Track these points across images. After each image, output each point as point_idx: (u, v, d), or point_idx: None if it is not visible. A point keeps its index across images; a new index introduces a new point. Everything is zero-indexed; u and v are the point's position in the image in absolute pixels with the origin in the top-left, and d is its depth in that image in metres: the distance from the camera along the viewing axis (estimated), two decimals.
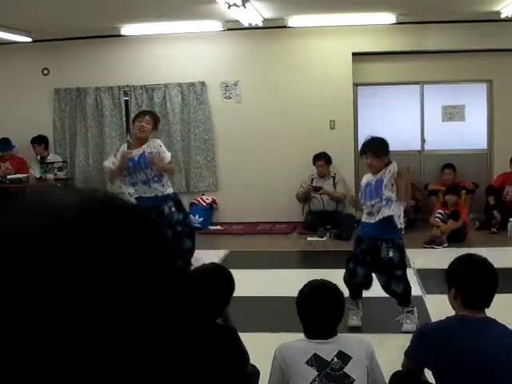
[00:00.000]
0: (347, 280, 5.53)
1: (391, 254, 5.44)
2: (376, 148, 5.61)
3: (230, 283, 3.49)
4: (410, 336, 3.26)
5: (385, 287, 5.56)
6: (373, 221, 5.46)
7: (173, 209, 6.27)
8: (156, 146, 6.44)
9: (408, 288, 5.52)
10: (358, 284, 5.59)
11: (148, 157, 6.27)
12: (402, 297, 5.50)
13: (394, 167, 5.48)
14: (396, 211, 5.47)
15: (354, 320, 5.53)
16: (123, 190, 6.37)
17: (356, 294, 5.62)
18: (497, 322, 3.13)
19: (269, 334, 5.32)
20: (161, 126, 10.60)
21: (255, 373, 3.67)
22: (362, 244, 5.59)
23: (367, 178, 5.67)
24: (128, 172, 6.34)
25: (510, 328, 3.14)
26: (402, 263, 5.57)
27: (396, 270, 5.47)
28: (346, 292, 3.66)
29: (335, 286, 3.35)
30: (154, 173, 6.28)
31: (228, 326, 3.58)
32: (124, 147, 6.56)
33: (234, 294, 6.31)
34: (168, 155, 6.56)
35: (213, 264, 3.59)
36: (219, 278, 3.44)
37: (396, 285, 5.49)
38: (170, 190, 6.47)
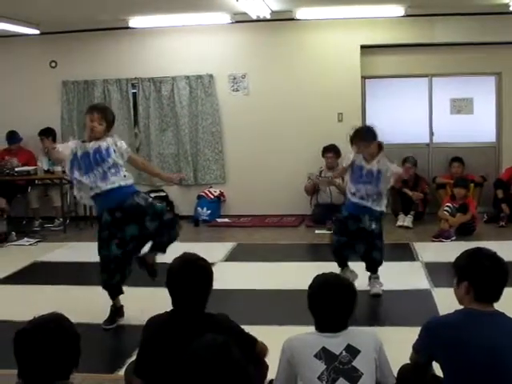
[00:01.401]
0: (333, 248, 6.35)
1: (373, 226, 6.05)
2: (367, 135, 6.14)
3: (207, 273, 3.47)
4: (417, 329, 3.25)
5: (365, 255, 6.20)
6: (366, 203, 6.04)
7: (149, 199, 5.59)
8: (117, 143, 5.54)
9: (383, 257, 6.27)
10: (339, 247, 6.27)
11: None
12: (378, 264, 6.27)
13: (389, 164, 6.09)
14: (383, 206, 6.20)
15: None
16: (83, 199, 5.58)
17: (341, 260, 6.32)
18: (505, 315, 3.13)
19: (277, 326, 5.31)
20: (169, 118, 10.68)
21: (264, 366, 3.68)
22: (341, 214, 6.32)
23: (359, 159, 6.10)
24: (84, 169, 5.39)
25: None
26: (382, 234, 6.23)
27: (376, 239, 6.14)
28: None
29: (347, 279, 3.35)
30: (109, 164, 5.36)
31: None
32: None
33: (242, 287, 6.35)
34: (128, 150, 5.71)
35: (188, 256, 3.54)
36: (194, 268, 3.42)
37: (376, 252, 6.17)
38: (131, 181, 5.57)
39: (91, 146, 5.38)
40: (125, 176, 5.46)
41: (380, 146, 6.14)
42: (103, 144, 5.40)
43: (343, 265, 6.32)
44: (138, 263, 5.73)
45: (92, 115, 5.43)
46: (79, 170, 5.39)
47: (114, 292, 5.76)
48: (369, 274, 6.33)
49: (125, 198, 5.41)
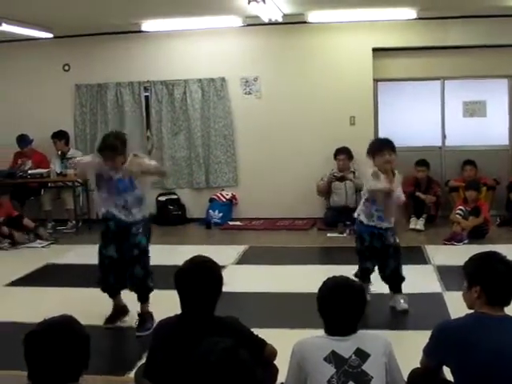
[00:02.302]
0: (361, 276, 5.86)
1: (397, 240, 5.95)
2: (393, 145, 5.88)
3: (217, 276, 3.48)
4: (428, 333, 3.24)
5: (393, 273, 5.89)
6: (384, 226, 5.79)
7: (140, 230, 5.67)
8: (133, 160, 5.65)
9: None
10: (369, 275, 6.01)
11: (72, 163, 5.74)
12: (402, 281, 5.97)
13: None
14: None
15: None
16: (102, 209, 5.70)
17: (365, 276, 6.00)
18: None
19: (287, 330, 5.30)
20: (181, 121, 10.70)
21: (274, 370, 3.68)
22: (364, 241, 5.88)
23: (383, 183, 5.71)
24: (115, 192, 5.62)
25: None
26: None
27: (399, 254, 5.93)
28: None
29: (358, 282, 3.34)
30: (133, 196, 5.60)
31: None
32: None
33: (253, 290, 6.33)
34: (146, 159, 5.89)
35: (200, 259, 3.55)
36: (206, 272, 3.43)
37: (401, 269, 5.93)
38: (142, 215, 5.74)
39: (115, 174, 5.55)
40: (140, 210, 5.66)
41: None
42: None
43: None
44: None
45: (106, 156, 5.52)
46: (106, 189, 5.61)
47: (110, 291, 5.81)
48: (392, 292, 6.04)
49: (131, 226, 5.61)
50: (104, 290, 5.77)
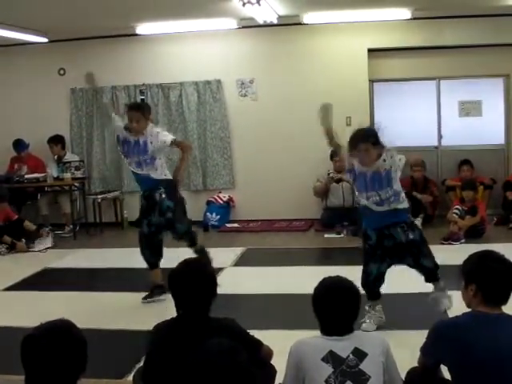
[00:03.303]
0: (363, 282, 5.39)
1: (412, 236, 5.33)
2: (371, 136, 5.40)
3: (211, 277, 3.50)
4: (425, 332, 3.25)
5: (414, 265, 5.48)
6: (381, 209, 5.30)
7: (163, 195, 6.36)
8: (153, 135, 6.33)
9: (436, 262, 5.57)
10: (372, 281, 5.48)
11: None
12: (434, 270, 5.56)
13: (398, 158, 5.28)
14: (406, 202, 5.46)
15: (366, 323, 5.38)
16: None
17: (373, 293, 5.55)
18: None
19: (285, 331, 5.30)
20: (177, 124, 10.70)
21: (272, 370, 3.68)
22: (369, 240, 5.44)
23: (359, 167, 5.37)
24: (124, 154, 6.47)
25: None
26: (425, 240, 5.49)
27: (421, 247, 5.43)
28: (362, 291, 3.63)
29: (351, 282, 3.34)
30: (146, 156, 6.31)
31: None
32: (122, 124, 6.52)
33: (251, 292, 6.33)
34: (168, 138, 6.41)
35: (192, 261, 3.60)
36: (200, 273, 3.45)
37: (426, 260, 5.47)
38: (163, 177, 6.46)
39: (132, 137, 6.30)
40: (156, 169, 6.35)
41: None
42: (141, 138, 6.24)
43: (376, 298, 5.60)
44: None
45: (131, 115, 6.25)
46: (122, 149, 6.44)
47: (150, 265, 6.61)
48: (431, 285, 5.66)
49: (150, 187, 6.40)
50: (147, 263, 6.64)
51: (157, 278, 6.42)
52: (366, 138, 5.27)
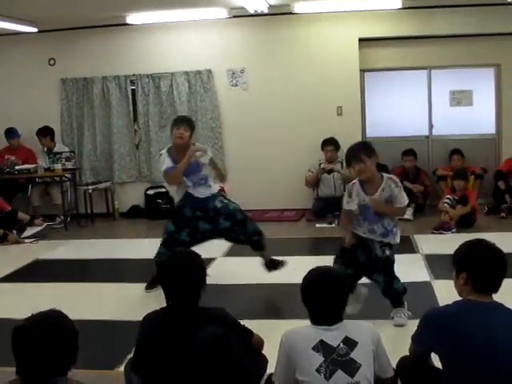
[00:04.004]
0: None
1: (388, 253, 5.19)
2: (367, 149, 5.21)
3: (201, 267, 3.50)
4: (417, 321, 3.26)
5: (386, 287, 5.28)
6: (373, 237, 5.20)
7: (225, 200, 6.52)
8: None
9: (402, 284, 5.37)
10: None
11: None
12: (402, 295, 5.36)
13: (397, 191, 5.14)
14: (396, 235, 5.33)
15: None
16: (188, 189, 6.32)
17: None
18: (504, 306, 3.13)
19: (276, 320, 5.32)
20: (168, 114, 10.68)
21: (264, 360, 3.69)
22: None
23: (361, 196, 5.21)
24: (186, 174, 6.29)
25: None
26: (394, 261, 5.30)
27: (393, 268, 5.28)
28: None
29: (339, 271, 3.35)
30: (201, 175, 6.31)
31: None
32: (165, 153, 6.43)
33: (242, 282, 6.33)
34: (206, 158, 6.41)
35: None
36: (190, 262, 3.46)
37: (396, 283, 5.32)
38: (216, 189, 6.55)
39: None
40: (210, 186, 6.38)
41: (381, 168, 5.44)
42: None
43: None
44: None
45: (178, 127, 6.25)
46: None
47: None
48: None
49: (206, 202, 6.32)
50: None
51: None
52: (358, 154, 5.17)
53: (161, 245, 6.39)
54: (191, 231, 6.30)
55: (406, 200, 5.23)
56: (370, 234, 5.19)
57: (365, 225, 5.19)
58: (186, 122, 6.36)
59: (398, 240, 5.28)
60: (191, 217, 6.29)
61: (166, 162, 6.20)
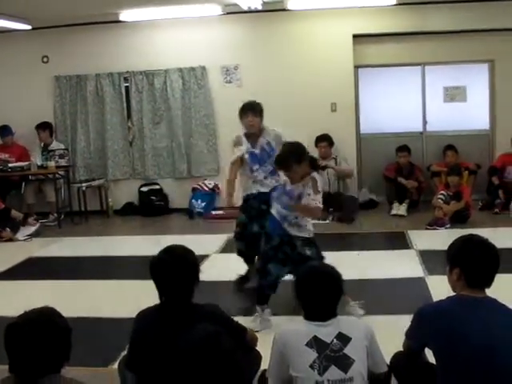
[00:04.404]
0: (259, 281, 5.32)
1: (308, 253, 5.17)
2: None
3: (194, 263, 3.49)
4: (410, 316, 3.26)
5: None
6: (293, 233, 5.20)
7: None
8: (272, 136, 6.18)
9: None
10: (269, 284, 5.26)
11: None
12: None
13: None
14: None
15: (253, 323, 4.96)
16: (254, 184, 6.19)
17: (263, 298, 5.33)
18: (497, 301, 3.13)
19: (271, 317, 5.30)
20: (162, 111, 10.67)
21: (258, 356, 3.69)
22: (272, 240, 5.26)
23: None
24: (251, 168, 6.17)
25: (509, 307, 3.14)
26: (320, 257, 5.21)
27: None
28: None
29: (333, 268, 3.35)
30: (271, 167, 6.02)
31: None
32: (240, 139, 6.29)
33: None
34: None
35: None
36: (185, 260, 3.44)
37: None
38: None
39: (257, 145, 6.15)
40: (279, 175, 5.85)
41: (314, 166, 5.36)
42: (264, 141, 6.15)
43: (264, 303, 5.34)
44: None
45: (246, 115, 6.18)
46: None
47: (247, 259, 6.38)
48: None
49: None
50: (244, 258, 6.41)
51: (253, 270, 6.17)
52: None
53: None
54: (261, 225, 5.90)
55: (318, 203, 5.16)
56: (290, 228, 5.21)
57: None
58: (251, 110, 6.24)
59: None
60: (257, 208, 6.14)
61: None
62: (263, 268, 5.27)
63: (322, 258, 5.22)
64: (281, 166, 5.24)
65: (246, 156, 6.18)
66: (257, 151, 6.14)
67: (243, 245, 6.28)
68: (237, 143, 6.28)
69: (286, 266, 5.19)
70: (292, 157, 5.10)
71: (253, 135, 6.19)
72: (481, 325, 2.98)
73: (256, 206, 6.13)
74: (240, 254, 6.40)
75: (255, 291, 5.36)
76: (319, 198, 5.14)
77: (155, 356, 3.21)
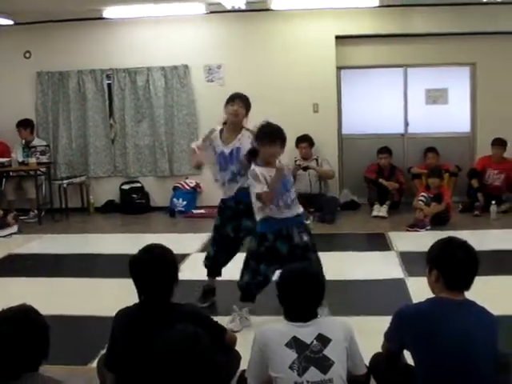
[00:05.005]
0: (244, 282, 5.20)
1: (306, 238, 5.07)
2: (283, 136, 5.21)
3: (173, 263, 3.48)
4: (389, 318, 3.28)
5: None
6: (289, 215, 5.05)
7: None
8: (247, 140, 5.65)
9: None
10: (257, 283, 5.16)
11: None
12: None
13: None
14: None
15: (233, 323, 5.06)
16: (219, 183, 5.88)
17: (250, 296, 5.25)
18: (475, 304, 3.15)
19: (252, 317, 5.30)
20: (144, 109, 10.64)
21: (237, 356, 3.69)
22: (266, 241, 5.07)
23: (264, 171, 5.00)
24: (220, 167, 5.79)
25: (488, 310, 3.16)
26: (315, 246, 5.17)
27: (311, 253, 5.08)
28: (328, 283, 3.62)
29: (315, 269, 3.36)
30: (240, 167, 5.59)
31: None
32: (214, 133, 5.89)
33: (220, 278, 6.33)
34: None
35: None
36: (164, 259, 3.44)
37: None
38: None
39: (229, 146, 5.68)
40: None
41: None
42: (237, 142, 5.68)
43: (251, 300, 5.29)
44: None
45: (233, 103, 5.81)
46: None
47: (212, 270, 5.97)
48: None
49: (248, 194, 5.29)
50: (208, 269, 5.98)
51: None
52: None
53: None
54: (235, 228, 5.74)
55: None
56: (285, 211, 5.03)
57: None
58: (240, 98, 5.92)
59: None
60: (234, 209, 5.80)
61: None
62: (254, 268, 5.14)
63: (315, 248, 5.15)
64: (278, 138, 5.15)
65: (215, 156, 5.83)
66: (226, 151, 5.70)
67: (212, 251, 5.88)
68: (207, 137, 5.90)
69: (276, 264, 5.01)
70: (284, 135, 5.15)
71: (230, 130, 5.79)
72: (459, 328, 3.00)
73: (232, 205, 5.73)
74: (207, 261, 5.95)
75: (240, 289, 5.22)
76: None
77: (134, 356, 3.20)
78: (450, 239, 3.26)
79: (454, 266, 3.12)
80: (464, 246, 3.19)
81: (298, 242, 5.02)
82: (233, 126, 5.77)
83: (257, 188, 4.86)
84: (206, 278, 6.08)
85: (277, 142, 5.04)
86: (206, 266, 5.94)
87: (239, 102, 5.83)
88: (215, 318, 3.57)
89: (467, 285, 3.15)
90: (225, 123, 5.86)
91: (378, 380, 3.46)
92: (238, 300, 5.25)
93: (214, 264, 5.91)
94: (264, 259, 5.08)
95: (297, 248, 5.00)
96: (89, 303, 5.99)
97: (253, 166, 5.00)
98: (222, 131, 5.82)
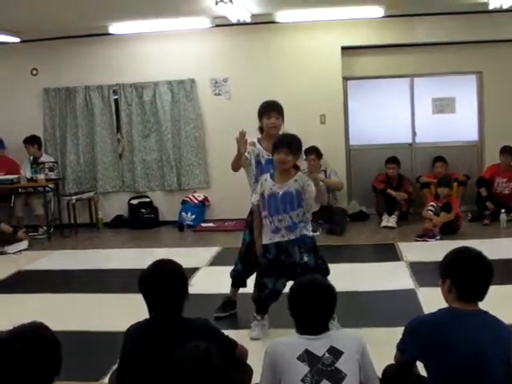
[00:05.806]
0: (256, 295, 5.22)
1: (306, 259, 5.03)
2: (294, 143, 5.17)
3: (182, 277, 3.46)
4: (402, 329, 3.25)
5: None
6: (278, 239, 5.04)
7: None
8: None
9: None
10: (266, 296, 5.17)
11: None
12: None
13: (303, 175, 5.13)
14: (310, 228, 5.19)
15: (254, 331, 5.19)
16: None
17: (262, 308, 5.27)
18: (488, 314, 3.12)
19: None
20: (151, 124, 10.66)
21: (248, 371, 3.67)
22: (268, 253, 5.12)
23: (269, 186, 5.17)
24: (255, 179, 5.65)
25: (501, 320, 3.13)
26: (319, 267, 5.09)
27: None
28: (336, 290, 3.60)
29: (327, 281, 3.34)
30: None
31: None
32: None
33: (227, 291, 6.31)
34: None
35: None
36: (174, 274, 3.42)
37: None
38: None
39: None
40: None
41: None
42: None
43: (264, 312, 5.29)
44: None
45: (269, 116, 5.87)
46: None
47: (237, 281, 5.90)
48: None
49: None
50: (233, 279, 5.91)
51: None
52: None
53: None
54: None
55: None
56: (275, 234, 5.04)
57: (273, 218, 5.05)
58: (274, 109, 5.88)
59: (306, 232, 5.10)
60: None
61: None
62: (259, 281, 5.18)
63: (325, 264, 5.15)
64: (293, 147, 5.09)
65: (253, 161, 5.82)
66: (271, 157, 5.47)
67: (241, 266, 5.79)
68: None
69: (282, 277, 5.07)
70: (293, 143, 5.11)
71: (270, 139, 5.67)
72: (471, 338, 2.97)
73: None
74: (234, 272, 5.89)
75: (254, 302, 5.25)
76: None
77: (145, 371, 3.19)
78: (464, 249, 3.21)
79: (465, 276, 3.08)
80: (478, 256, 3.14)
81: (296, 261, 5.02)
82: (271, 137, 5.74)
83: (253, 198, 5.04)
84: (216, 291, 6.09)
85: (282, 149, 5.06)
86: (231, 276, 5.93)
87: (276, 115, 5.95)
88: (226, 332, 3.55)
89: (480, 295, 3.11)
90: (261, 130, 6.04)
91: None
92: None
93: (239, 275, 5.88)
94: (267, 272, 5.11)
95: (297, 266, 5.01)
96: (99, 319, 5.98)
97: (266, 175, 5.16)
98: (259, 140, 5.95)
